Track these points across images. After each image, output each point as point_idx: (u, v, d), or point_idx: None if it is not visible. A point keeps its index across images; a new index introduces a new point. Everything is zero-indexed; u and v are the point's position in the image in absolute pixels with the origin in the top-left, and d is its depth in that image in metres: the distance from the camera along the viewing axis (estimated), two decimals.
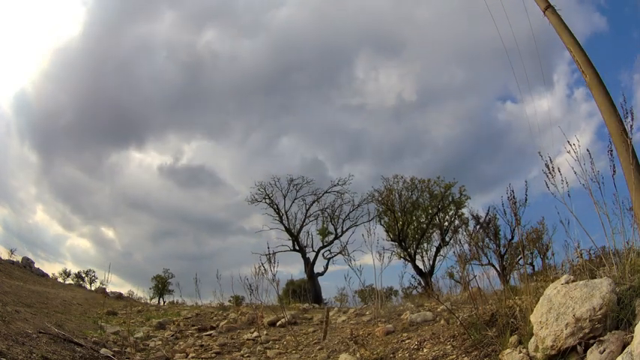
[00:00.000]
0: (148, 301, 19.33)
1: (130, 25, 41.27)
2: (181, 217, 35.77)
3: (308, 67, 41.50)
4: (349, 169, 36.90)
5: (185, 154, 41.65)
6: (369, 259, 7.59)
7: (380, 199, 19.14)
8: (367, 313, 7.88)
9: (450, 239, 17.27)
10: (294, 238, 19.91)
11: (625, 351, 2.27)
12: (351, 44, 41.94)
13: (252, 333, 6.92)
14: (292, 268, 25.45)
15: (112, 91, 38.59)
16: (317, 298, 17.90)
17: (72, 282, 21.46)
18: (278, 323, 7.74)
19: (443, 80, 41.63)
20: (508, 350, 3.10)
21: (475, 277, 5.39)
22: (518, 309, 3.56)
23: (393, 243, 18.36)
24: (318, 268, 19.86)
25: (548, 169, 3.84)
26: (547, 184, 3.85)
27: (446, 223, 18.71)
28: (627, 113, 3.65)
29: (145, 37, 40.74)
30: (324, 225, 20.32)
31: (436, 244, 18.55)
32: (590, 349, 2.50)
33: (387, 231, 18.62)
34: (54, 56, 40.01)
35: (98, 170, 37.72)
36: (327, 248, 20.03)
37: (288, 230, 20.02)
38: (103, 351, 5.05)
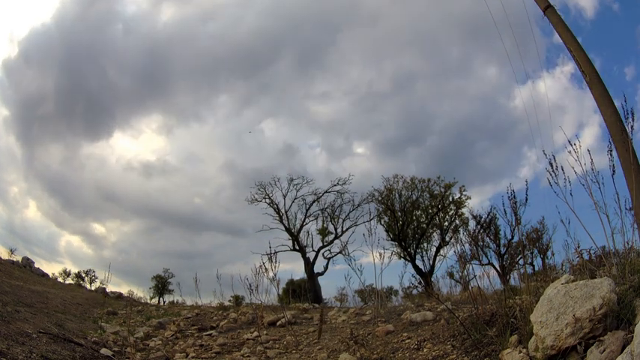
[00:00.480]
0: (148, 301, 19.37)
1: (99, 4, 38.91)
2: (161, 211, 35.00)
3: (286, 47, 40.51)
4: (328, 158, 36.00)
5: (157, 143, 40.58)
6: (370, 259, 7.59)
7: (380, 198, 19.15)
8: (367, 312, 7.88)
9: (450, 239, 17.30)
10: (294, 237, 19.91)
11: (625, 351, 2.27)
12: (337, 21, 40.53)
13: (253, 333, 6.93)
14: (292, 268, 25.50)
15: (82, 77, 37.06)
16: (317, 297, 17.91)
17: (72, 282, 21.50)
18: (278, 323, 7.74)
19: (438, 62, 40.87)
20: (508, 350, 3.10)
21: (475, 277, 5.40)
22: (518, 309, 3.56)
23: (393, 243, 18.38)
24: (318, 267, 19.88)
25: (552, 168, 3.84)
26: (550, 183, 3.86)
27: (446, 223, 18.73)
28: (628, 114, 3.66)
29: (110, 16, 38.91)
30: (324, 225, 20.34)
31: (436, 243, 18.58)
32: (590, 348, 2.50)
33: (387, 231, 18.62)
34: (28, 39, 37.88)
35: (75, 162, 36.58)
36: (327, 248, 20.04)
37: (288, 230, 20.02)
38: (103, 351, 5.05)
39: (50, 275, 19.62)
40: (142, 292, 20.46)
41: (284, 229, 20.03)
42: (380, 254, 7.65)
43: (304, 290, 17.50)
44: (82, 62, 37.66)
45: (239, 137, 38.10)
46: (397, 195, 19.01)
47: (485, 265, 13.92)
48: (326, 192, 20.46)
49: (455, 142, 35.66)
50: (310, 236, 20.07)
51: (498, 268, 14.68)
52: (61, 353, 4.29)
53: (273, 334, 6.79)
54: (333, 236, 20.04)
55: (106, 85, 37.55)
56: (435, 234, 18.73)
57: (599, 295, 2.66)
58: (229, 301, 12.21)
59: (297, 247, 19.81)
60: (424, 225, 18.69)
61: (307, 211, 20.35)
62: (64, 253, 32.69)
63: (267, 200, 20.33)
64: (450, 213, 18.79)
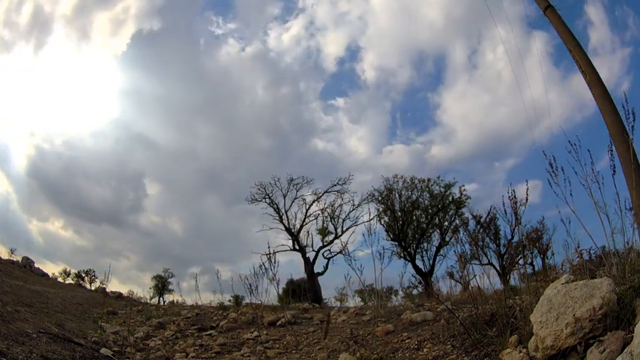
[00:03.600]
0: (148, 301, 19.38)
1: None
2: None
3: None
4: None
5: None
6: (369, 259, 7.61)
7: (380, 198, 19.17)
8: (367, 312, 7.88)
9: (450, 239, 17.31)
10: (294, 237, 19.91)
11: (625, 351, 2.27)
12: None
13: (252, 333, 6.93)
14: (292, 268, 25.47)
15: None
16: (317, 297, 17.91)
17: (72, 282, 21.51)
18: (278, 323, 7.74)
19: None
20: (508, 350, 3.10)
21: (475, 276, 5.40)
22: (518, 309, 3.56)
23: (393, 243, 18.40)
24: (318, 267, 19.89)
25: (552, 168, 3.84)
26: (550, 183, 3.85)
27: (446, 223, 18.75)
28: (628, 113, 3.65)
29: None
30: (324, 225, 20.34)
31: (436, 243, 18.59)
32: (590, 348, 2.50)
33: (387, 231, 18.65)
34: None
35: None
36: (327, 248, 20.05)
37: (288, 230, 20.03)
38: (103, 350, 5.05)
39: (50, 275, 19.64)
40: (142, 292, 20.50)
41: (284, 229, 20.06)
42: (380, 254, 7.67)
43: (304, 290, 17.49)
44: None
45: None
46: (397, 195, 19.05)
47: (485, 265, 13.94)
48: (326, 192, 20.50)
49: None
50: (310, 236, 20.10)
51: (498, 268, 14.70)
52: (61, 353, 4.29)
53: (273, 334, 6.79)
54: (333, 236, 20.06)
55: None
56: (435, 234, 18.75)
57: (599, 295, 2.66)
58: (229, 301, 12.23)
59: (297, 247, 19.82)
60: (424, 225, 18.71)
61: (307, 211, 20.38)
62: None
63: (267, 200, 20.36)
64: (450, 213, 18.82)
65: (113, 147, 36.74)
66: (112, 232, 34.59)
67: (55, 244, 30.52)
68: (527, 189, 4.08)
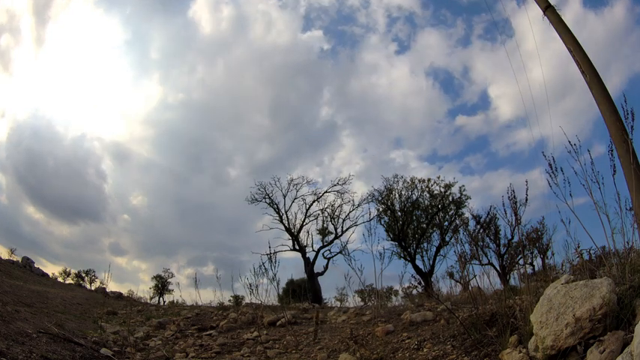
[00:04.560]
0: (148, 301, 19.39)
1: None
2: None
3: None
4: None
5: None
6: (369, 259, 7.62)
7: (380, 198, 19.17)
8: (367, 312, 7.88)
9: (450, 239, 17.30)
10: (294, 237, 19.91)
11: (625, 351, 2.27)
12: None
13: (252, 333, 6.93)
14: (292, 268, 25.45)
15: None
16: (317, 297, 17.91)
17: (72, 282, 21.53)
18: (278, 323, 7.74)
19: None
20: (508, 350, 3.10)
21: (475, 276, 5.39)
22: (518, 309, 3.56)
23: (393, 243, 18.40)
24: (318, 267, 19.88)
25: (551, 169, 3.84)
26: (549, 183, 3.85)
27: (446, 223, 18.73)
28: (628, 114, 3.65)
29: None
30: (324, 225, 20.34)
31: (436, 243, 18.58)
32: (590, 348, 2.50)
33: (387, 231, 18.64)
34: None
35: None
36: (327, 248, 20.04)
37: (288, 230, 20.02)
38: (103, 351, 5.05)
39: (50, 275, 19.66)
40: (142, 292, 20.54)
41: (284, 229, 20.06)
42: (380, 254, 7.68)
43: (304, 290, 17.49)
44: None
45: None
46: (397, 195, 19.05)
47: (485, 265, 13.94)
48: (326, 192, 20.50)
49: None
50: (310, 236, 20.10)
51: (498, 268, 14.70)
52: (61, 353, 4.29)
53: (273, 334, 6.79)
54: (333, 236, 20.05)
55: None
56: (435, 234, 18.74)
57: (599, 295, 2.66)
58: (229, 301, 12.25)
59: (297, 247, 19.81)
60: (424, 225, 18.70)
61: (307, 211, 20.38)
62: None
63: (267, 200, 20.36)
64: (450, 213, 18.81)
65: (86, 131, 36.12)
66: (94, 226, 34.54)
67: (44, 237, 30.51)
68: (527, 188, 4.08)
